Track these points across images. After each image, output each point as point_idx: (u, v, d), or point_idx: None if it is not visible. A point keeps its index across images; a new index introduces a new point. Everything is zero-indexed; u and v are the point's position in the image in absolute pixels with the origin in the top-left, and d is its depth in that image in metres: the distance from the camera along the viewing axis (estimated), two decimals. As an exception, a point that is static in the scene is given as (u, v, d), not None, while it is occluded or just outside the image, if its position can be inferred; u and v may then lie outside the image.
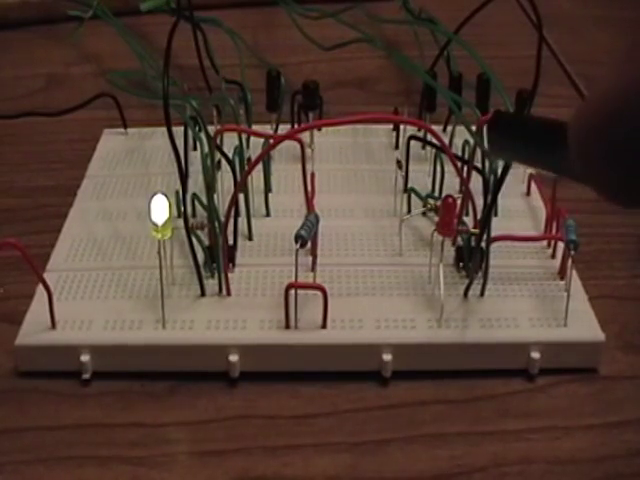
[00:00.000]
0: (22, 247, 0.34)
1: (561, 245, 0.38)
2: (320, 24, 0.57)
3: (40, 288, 0.36)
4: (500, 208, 0.42)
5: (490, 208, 0.36)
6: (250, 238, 0.41)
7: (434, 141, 0.40)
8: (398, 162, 0.43)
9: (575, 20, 0.69)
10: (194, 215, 0.42)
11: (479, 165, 0.40)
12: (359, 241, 0.41)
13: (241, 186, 0.39)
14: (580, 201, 0.38)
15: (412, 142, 0.43)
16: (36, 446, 0.33)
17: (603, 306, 0.38)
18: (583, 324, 0.36)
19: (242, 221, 0.41)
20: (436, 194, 0.43)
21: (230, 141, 0.42)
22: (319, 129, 0.49)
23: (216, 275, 0.38)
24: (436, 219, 0.39)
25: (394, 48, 0.59)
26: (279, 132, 0.47)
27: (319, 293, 0.35)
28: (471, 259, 0.38)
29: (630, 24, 0.64)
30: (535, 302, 0.37)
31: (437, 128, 0.47)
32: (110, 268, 0.39)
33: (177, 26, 0.37)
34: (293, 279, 0.35)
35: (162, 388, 0.35)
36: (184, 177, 0.38)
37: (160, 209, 0.35)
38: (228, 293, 0.37)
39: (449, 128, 0.47)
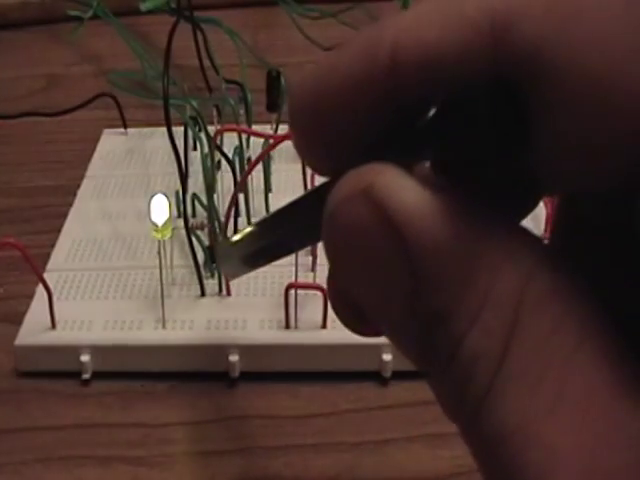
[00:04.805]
0: (22, 247, 0.34)
1: (561, 245, 0.38)
2: (320, 24, 0.57)
3: (40, 288, 0.36)
4: (500, 208, 0.42)
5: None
6: (250, 238, 0.41)
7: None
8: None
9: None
10: (194, 215, 0.42)
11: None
12: (359, 241, 0.41)
13: (241, 186, 0.39)
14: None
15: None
16: (36, 446, 0.33)
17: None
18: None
19: (242, 221, 0.41)
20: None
21: (230, 141, 0.42)
22: (319, 129, 0.49)
23: (216, 275, 0.38)
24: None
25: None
26: (279, 132, 0.47)
27: (319, 293, 0.35)
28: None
29: None
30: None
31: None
32: (110, 268, 0.39)
33: (177, 26, 0.37)
34: (293, 279, 0.35)
35: (162, 388, 0.35)
36: (184, 177, 0.38)
37: (160, 209, 0.35)
38: (228, 293, 0.37)
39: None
